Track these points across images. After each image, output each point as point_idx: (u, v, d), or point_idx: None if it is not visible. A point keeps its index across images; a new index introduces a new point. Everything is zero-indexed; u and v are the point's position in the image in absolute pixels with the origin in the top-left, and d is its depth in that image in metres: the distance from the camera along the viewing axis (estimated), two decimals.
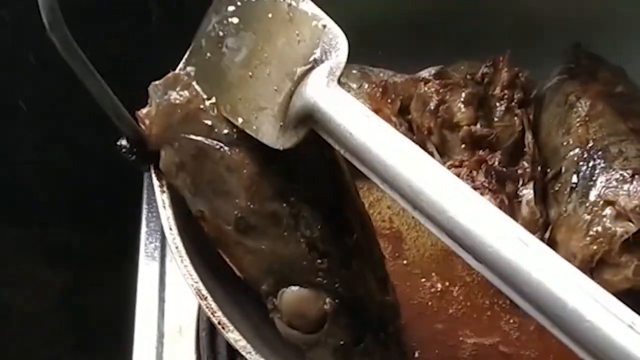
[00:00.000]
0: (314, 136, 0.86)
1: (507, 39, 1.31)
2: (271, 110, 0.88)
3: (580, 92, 1.23)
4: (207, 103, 0.95)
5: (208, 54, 0.96)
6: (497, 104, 1.24)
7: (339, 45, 0.89)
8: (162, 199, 1.00)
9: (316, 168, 0.96)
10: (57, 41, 0.88)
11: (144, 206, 1.39)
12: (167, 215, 0.99)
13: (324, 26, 0.90)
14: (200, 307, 1.16)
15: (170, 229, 0.99)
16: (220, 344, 1.22)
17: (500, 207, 1.08)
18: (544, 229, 1.14)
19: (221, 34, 0.95)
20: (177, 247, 0.98)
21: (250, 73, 0.91)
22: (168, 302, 1.30)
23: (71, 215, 1.62)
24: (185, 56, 0.99)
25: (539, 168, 1.20)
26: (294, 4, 0.91)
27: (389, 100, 1.25)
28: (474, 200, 0.75)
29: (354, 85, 1.27)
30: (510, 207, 1.13)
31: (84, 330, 1.68)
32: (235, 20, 0.94)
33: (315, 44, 0.88)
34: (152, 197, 1.05)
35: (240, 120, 0.91)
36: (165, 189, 1.00)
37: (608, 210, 1.09)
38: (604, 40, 1.31)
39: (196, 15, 0.99)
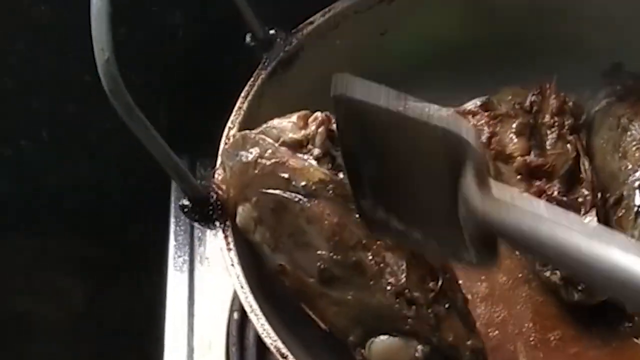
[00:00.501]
0: None
1: (547, 64, 1.30)
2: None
3: (631, 114, 1.21)
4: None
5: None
6: (548, 132, 1.22)
7: (469, 140, 0.78)
8: (230, 256, 1.00)
9: None
10: (119, 108, 0.87)
11: (172, 219, 1.38)
12: (237, 273, 0.99)
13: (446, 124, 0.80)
14: (229, 321, 1.20)
15: (242, 287, 0.98)
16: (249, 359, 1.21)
17: None
18: None
19: None
20: (251, 306, 0.97)
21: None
22: (197, 316, 1.29)
23: (95, 226, 1.61)
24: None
25: (599, 195, 1.17)
26: None
27: None
28: None
29: None
30: None
31: (112, 346, 1.66)
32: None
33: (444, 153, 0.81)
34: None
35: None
36: (232, 246, 1.01)
37: None
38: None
39: None
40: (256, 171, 0.97)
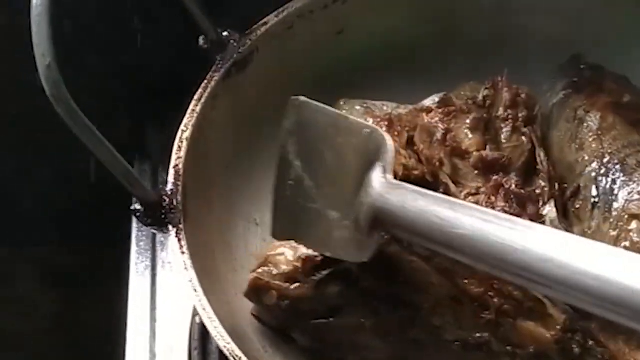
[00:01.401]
0: None
1: (506, 58, 1.29)
2: (347, 230, 0.95)
3: (588, 105, 1.20)
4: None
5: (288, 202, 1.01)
6: (503, 125, 1.21)
7: (386, 146, 0.97)
8: (184, 260, 0.99)
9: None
10: (63, 113, 0.87)
11: (134, 225, 1.37)
12: (190, 277, 0.98)
13: (371, 132, 0.98)
14: (192, 325, 1.20)
15: (195, 290, 0.97)
16: None
17: None
18: None
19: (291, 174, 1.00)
20: (204, 309, 0.97)
21: (318, 204, 0.97)
22: (159, 321, 1.28)
23: (60, 235, 1.61)
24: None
25: (557, 186, 1.17)
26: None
27: (396, 133, 1.22)
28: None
29: None
30: None
31: (76, 351, 1.65)
32: (297, 160, 0.99)
33: (365, 152, 0.96)
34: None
35: (328, 253, 0.99)
36: (185, 249, 1.00)
37: (634, 224, 1.06)
38: (601, 50, 1.29)
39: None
40: (285, 308, 1.03)
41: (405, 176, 1.14)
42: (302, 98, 1.01)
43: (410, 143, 1.22)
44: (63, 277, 1.64)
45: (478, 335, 1.00)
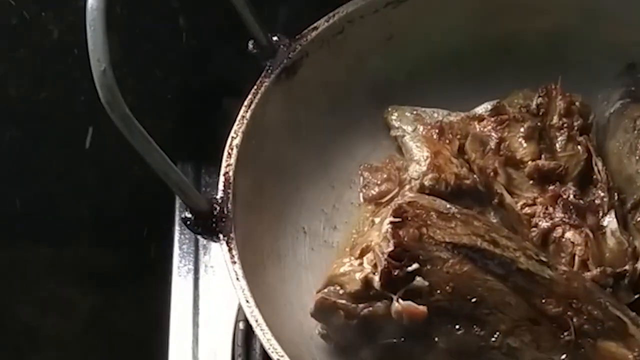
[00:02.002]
0: None
1: (559, 66, 1.27)
2: None
3: None
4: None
5: None
6: (558, 134, 1.19)
7: None
8: (235, 270, 0.98)
9: None
10: (117, 121, 0.86)
11: (176, 227, 1.35)
12: (242, 287, 0.97)
13: None
14: (235, 331, 1.19)
15: (247, 301, 0.96)
16: None
17: (586, 242, 1.05)
18: (635, 258, 1.09)
19: None
20: (257, 320, 0.96)
21: None
22: (202, 326, 1.27)
23: (101, 236, 1.60)
24: None
25: (616, 196, 1.15)
26: None
27: (447, 141, 1.20)
28: None
29: (409, 129, 1.22)
30: (596, 240, 1.09)
31: (114, 354, 1.65)
32: None
33: None
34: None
35: None
36: (236, 259, 0.99)
37: None
38: None
39: None
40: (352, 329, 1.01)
41: (457, 185, 1.13)
42: None
43: (461, 151, 1.20)
44: (103, 279, 1.63)
45: (557, 356, 0.98)
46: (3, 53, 1.34)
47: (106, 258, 1.62)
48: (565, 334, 0.98)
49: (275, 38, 1.16)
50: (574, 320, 0.98)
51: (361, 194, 1.21)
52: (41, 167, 1.50)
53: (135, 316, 1.57)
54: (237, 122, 1.10)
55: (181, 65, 1.41)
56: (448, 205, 1.04)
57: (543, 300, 0.98)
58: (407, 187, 1.15)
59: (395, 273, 0.96)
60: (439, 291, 0.96)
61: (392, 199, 1.15)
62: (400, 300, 0.96)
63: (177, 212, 1.35)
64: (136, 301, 1.56)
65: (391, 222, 0.98)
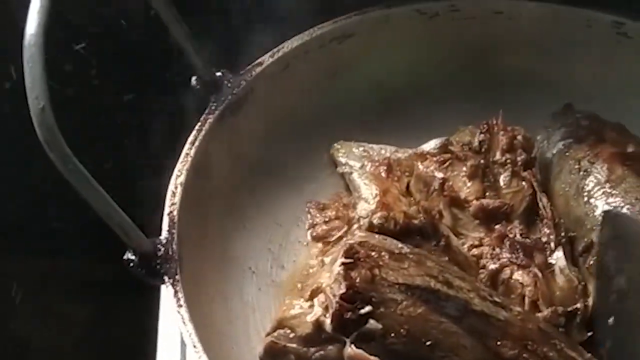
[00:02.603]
0: None
1: (502, 101, 1.26)
2: None
3: (592, 156, 1.16)
4: None
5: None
6: (501, 170, 1.18)
7: None
8: (181, 313, 0.94)
9: None
10: (56, 159, 0.83)
11: None
12: (188, 331, 0.93)
13: None
14: None
15: (195, 346, 0.92)
16: None
17: (535, 282, 1.03)
18: (585, 295, 1.07)
19: None
20: None
21: None
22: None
23: (94, 247, 1.54)
24: None
25: (563, 232, 1.13)
26: None
27: (395, 179, 1.18)
28: None
29: (357, 165, 1.20)
30: (545, 279, 1.07)
31: None
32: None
33: None
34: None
35: None
36: (182, 302, 0.96)
37: None
38: (591, 99, 1.26)
39: None
40: None
41: (406, 224, 1.11)
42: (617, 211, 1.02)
43: (409, 189, 1.18)
44: (96, 291, 1.59)
45: None
46: None
47: (100, 270, 1.58)
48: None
49: (219, 74, 1.13)
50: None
51: (309, 232, 1.18)
52: (35, 180, 1.45)
53: (128, 328, 1.52)
54: (181, 160, 1.07)
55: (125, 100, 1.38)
56: (400, 245, 1.02)
57: (498, 343, 0.96)
58: (356, 225, 1.12)
59: (348, 316, 0.93)
60: (393, 334, 0.94)
61: (340, 237, 1.13)
62: (353, 346, 0.93)
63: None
64: (129, 313, 1.51)
65: (343, 263, 0.96)
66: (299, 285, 1.08)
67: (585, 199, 1.13)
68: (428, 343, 0.94)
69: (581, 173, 1.16)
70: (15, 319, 1.58)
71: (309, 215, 1.19)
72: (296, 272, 1.15)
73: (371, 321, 0.93)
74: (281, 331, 0.99)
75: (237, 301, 1.10)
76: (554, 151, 1.21)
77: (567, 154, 1.19)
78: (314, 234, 1.17)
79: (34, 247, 1.53)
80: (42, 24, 0.82)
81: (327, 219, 1.18)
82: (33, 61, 0.80)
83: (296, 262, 1.16)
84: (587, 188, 1.14)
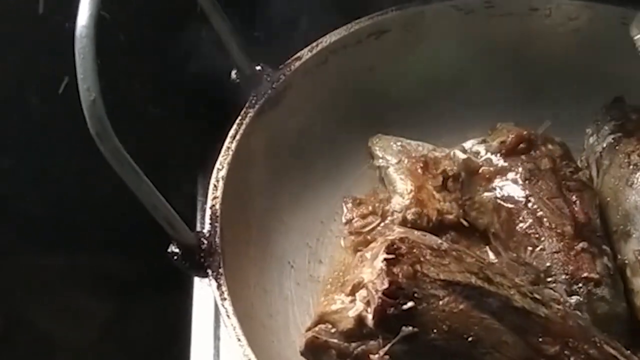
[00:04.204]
0: None
1: (545, 101, 1.28)
2: None
3: None
4: None
5: None
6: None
7: None
8: (225, 306, 0.95)
9: None
10: (106, 152, 0.83)
11: None
12: (233, 325, 0.94)
13: None
14: None
15: (239, 339, 0.93)
16: None
17: None
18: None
19: None
20: (247, 357, 0.92)
21: None
22: (223, 339, 1.19)
23: (119, 242, 1.54)
24: None
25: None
26: None
27: (431, 176, 1.18)
28: None
29: (393, 160, 1.20)
30: None
31: None
32: None
33: None
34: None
35: None
36: (226, 295, 0.96)
37: None
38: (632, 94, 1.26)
39: None
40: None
41: (439, 221, 1.12)
42: None
43: (444, 187, 1.18)
44: (120, 287, 1.58)
45: None
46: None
47: (124, 265, 1.57)
48: None
49: (258, 68, 1.14)
50: (572, 359, 0.96)
51: (345, 227, 1.18)
52: (58, 174, 1.44)
53: (153, 325, 1.52)
54: (222, 154, 1.07)
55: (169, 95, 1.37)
56: (439, 241, 1.02)
57: (540, 339, 0.96)
58: (389, 219, 1.13)
59: (390, 311, 0.93)
60: (435, 330, 0.93)
61: (373, 229, 1.14)
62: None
63: (198, 217, 1.30)
64: (154, 310, 1.51)
65: (385, 259, 0.95)
66: (340, 281, 1.08)
67: (635, 191, 1.13)
68: (470, 339, 0.94)
69: (631, 167, 1.15)
70: (38, 314, 1.58)
71: (345, 210, 1.20)
72: (334, 267, 1.15)
73: (405, 328, 0.93)
74: (322, 326, 0.98)
75: (276, 295, 1.11)
76: (604, 145, 1.21)
77: (616, 147, 1.19)
78: (351, 229, 1.18)
79: (57, 242, 1.51)
80: (93, 15, 0.82)
81: (363, 214, 1.18)
82: (85, 52, 0.81)
83: (333, 257, 1.17)
84: (637, 182, 1.14)
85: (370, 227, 1.15)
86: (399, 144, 1.23)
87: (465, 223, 1.15)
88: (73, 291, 1.57)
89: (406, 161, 1.20)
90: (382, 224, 1.15)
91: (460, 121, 1.26)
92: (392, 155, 1.22)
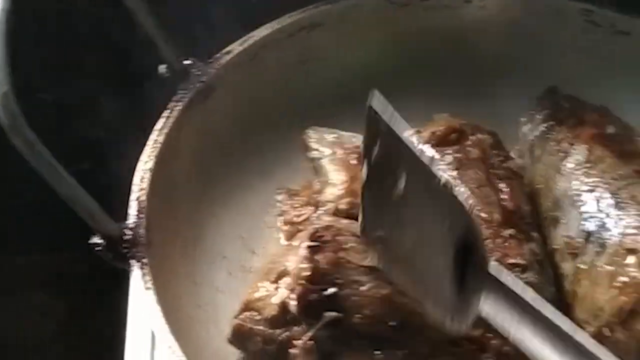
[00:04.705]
0: None
1: (479, 90, 1.30)
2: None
3: (572, 137, 1.17)
4: None
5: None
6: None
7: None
8: (148, 296, 0.96)
9: None
10: (19, 144, 0.83)
11: None
12: (155, 314, 0.95)
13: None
14: None
15: (161, 328, 0.93)
16: None
17: None
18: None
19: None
20: (170, 347, 0.92)
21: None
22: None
23: (64, 241, 1.54)
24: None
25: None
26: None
27: None
28: None
29: (327, 151, 1.21)
30: None
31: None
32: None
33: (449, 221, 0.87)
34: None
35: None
36: (150, 285, 0.97)
37: (631, 259, 1.03)
38: (567, 84, 1.27)
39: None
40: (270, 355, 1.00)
41: None
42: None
43: None
44: (73, 285, 1.59)
45: None
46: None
47: (70, 264, 1.57)
48: (486, 355, 0.97)
49: (188, 62, 1.14)
50: (494, 342, 0.97)
51: (279, 218, 1.19)
52: (8, 176, 1.45)
53: (99, 321, 1.52)
54: (149, 147, 1.07)
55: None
56: None
57: None
58: (322, 209, 1.13)
59: (312, 297, 0.94)
60: (358, 315, 0.95)
61: (306, 220, 1.14)
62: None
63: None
64: (99, 307, 1.51)
65: (308, 246, 0.97)
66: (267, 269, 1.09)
67: (564, 178, 1.14)
68: (393, 324, 0.95)
69: (560, 154, 1.17)
70: None
71: (279, 202, 1.21)
72: (267, 257, 1.16)
73: (327, 314, 0.94)
74: (248, 313, 0.99)
75: (207, 286, 1.11)
76: (537, 133, 1.22)
77: (548, 136, 1.20)
78: (284, 220, 1.18)
79: (9, 243, 1.53)
80: (5, 8, 0.83)
81: (297, 205, 1.19)
82: None
83: (267, 248, 1.18)
84: (566, 168, 1.15)
85: (304, 217, 1.16)
86: (333, 135, 1.23)
87: None
88: (25, 290, 1.58)
89: (340, 152, 1.20)
90: (314, 215, 1.16)
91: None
92: (326, 147, 1.22)
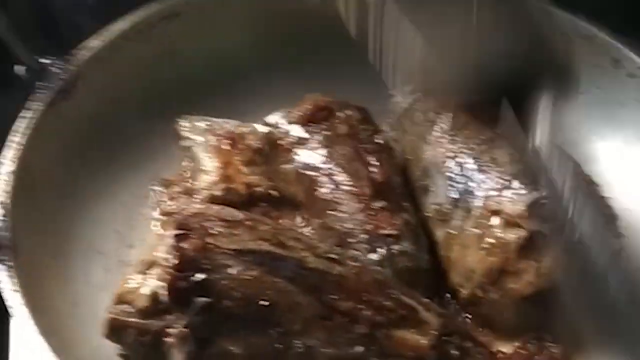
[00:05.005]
0: None
1: (346, 73, 1.29)
2: None
3: (437, 107, 1.19)
4: None
5: None
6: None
7: None
8: (16, 298, 0.97)
9: None
10: None
11: None
12: (24, 315, 0.96)
13: None
14: None
15: (31, 329, 0.93)
16: None
17: None
18: None
19: None
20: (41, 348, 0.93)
21: None
22: None
23: None
24: None
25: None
26: None
27: (238, 152, 1.20)
28: None
29: (199, 139, 1.20)
30: None
31: None
32: None
33: None
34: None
35: None
36: (18, 287, 0.98)
37: (496, 220, 1.06)
38: None
39: None
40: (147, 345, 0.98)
41: (249, 194, 1.13)
42: None
43: (253, 161, 1.20)
44: None
45: (353, 350, 0.97)
46: None
47: None
48: (359, 326, 0.97)
49: (45, 60, 1.13)
50: (366, 313, 0.98)
51: (155, 209, 1.19)
52: None
53: None
54: (10, 149, 1.07)
55: None
56: (236, 213, 1.03)
57: (334, 297, 0.98)
58: (197, 197, 1.13)
59: (181, 285, 0.94)
60: (229, 298, 0.95)
61: (183, 209, 1.14)
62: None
63: None
64: None
65: (174, 235, 0.97)
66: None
67: (431, 146, 1.17)
68: (265, 304, 0.95)
69: (428, 124, 1.19)
70: None
71: (154, 193, 1.21)
72: (145, 249, 1.15)
73: (198, 300, 0.95)
74: (120, 306, 0.99)
75: (82, 283, 1.11)
76: (405, 106, 1.24)
77: (415, 107, 1.22)
78: (161, 210, 1.18)
79: None
80: None
81: (173, 195, 1.19)
82: None
83: (145, 240, 1.17)
84: (432, 136, 1.17)
85: (178, 207, 1.16)
86: (205, 123, 1.23)
87: (275, 194, 1.16)
88: None
89: (212, 139, 1.20)
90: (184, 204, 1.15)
91: (265, 96, 1.28)
92: (198, 134, 1.21)
